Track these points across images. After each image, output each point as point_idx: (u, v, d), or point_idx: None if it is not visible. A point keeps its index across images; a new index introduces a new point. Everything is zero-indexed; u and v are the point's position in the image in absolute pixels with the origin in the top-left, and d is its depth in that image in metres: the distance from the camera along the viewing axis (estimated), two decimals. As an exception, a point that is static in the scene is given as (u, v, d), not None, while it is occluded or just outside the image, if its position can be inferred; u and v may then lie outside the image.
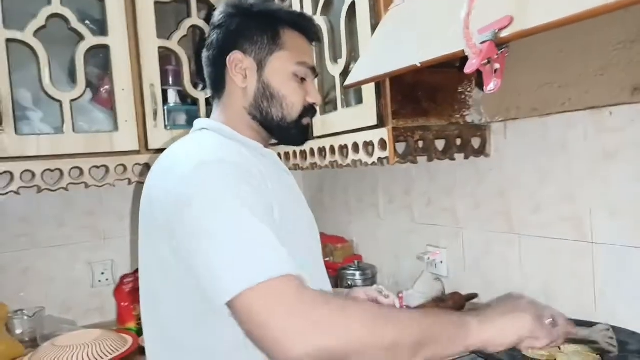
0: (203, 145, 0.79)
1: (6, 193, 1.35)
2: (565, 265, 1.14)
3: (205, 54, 0.90)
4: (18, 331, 1.53)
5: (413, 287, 1.39)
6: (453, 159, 1.28)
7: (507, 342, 0.70)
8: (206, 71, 0.91)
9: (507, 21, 0.71)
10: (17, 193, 1.37)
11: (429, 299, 1.33)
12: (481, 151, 1.32)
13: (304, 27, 0.89)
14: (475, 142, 1.31)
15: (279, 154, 1.67)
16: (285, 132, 0.88)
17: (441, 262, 1.48)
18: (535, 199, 1.20)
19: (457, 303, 1.31)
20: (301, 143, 0.93)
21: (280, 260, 0.64)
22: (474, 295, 1.37)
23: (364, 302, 0.86)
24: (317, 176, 2.11)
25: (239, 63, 0.85)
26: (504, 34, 0.72)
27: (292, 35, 0.87)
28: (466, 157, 1.30)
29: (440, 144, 1.26)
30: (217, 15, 0.88)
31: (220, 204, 0.67)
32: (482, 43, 0.73)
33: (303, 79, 0.88)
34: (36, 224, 1.64)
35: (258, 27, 0.85)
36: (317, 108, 0.93)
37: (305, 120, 0.89)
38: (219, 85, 0.89)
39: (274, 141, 0.95)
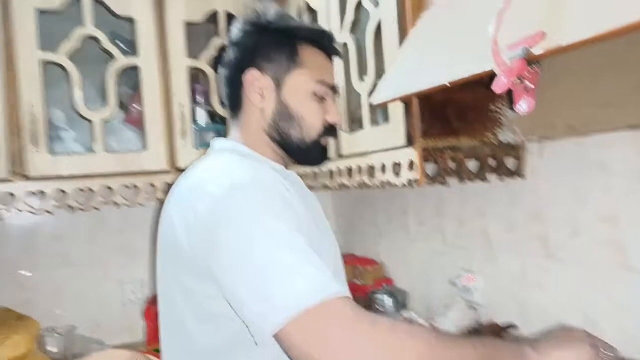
0: (228, 166, 0.76)
1: (40, 212, 1.38)
2: (607, 293, 1.06)
3: (222, 72, 0.89)
4: (50, 348, 1.54)
5: (446, 316, 1.33)
6: (486, 180, 1.22)
7: None
8: (223, 90, 0.90)
9: (539, 37, 0.67)
10: (49, 212, 1.39)
11: (462, 328, 1.27)
12: (516, 172, 1.25)
13: (324, 43, 0.87)
14: (510, 163, 1.25)
15: (305, 173, 1.66)
16: (304, 153, 0.85)
17: (475, 288, 1.41)
18: (573, 222, 1.13)
19: (495, 334, 1.24)
20: (320, 164, 0.89)
21: (330, 281, 0.61)
22: (513, 326, 1.29)
23: (420, 325, 0.82)
24: (347, 196, 2.08)
25: (255, 81, 0.83)
26: (536, 50, 0.67)
27: (311, 52, 0.85)
28: (500, 179, 1.24)
29: (472, 165, 1.21)
30: (234, 32, 0.86)
31: (259, 226, 0.64)
32: (511, 60, 0.69)
33: (323, 98, 0.85)
34: (68, 242, 1.67)
35: (276, 44, 0.83)
36: (337, 128, 0.90)
37: (324, 140, 0.86)
38: (236, 105, 0.87)
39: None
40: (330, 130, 0.86)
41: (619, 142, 1.01)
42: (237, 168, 0.74)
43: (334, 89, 0.87)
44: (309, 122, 0.83)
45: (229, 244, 0.64)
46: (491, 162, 1.23)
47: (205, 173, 0.75)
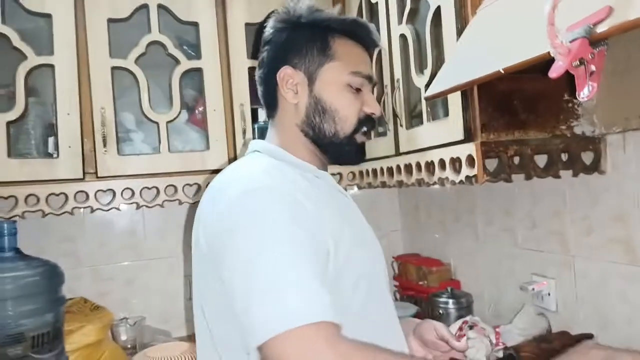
0: (251, 170, 0.75)
1: (109, 209, 1.46)
2: None
3: (257, 72, 0.88)
4: (122, 338, 1.63)
5: (512, 322, 1.23)
6: (558, 177, 1.11)
7: None
8: (259, 90, 0.88)
9: (605, 13, 0.58)
10: (117, 209, 1.47)
11: (529, 337, 1.16)
12: (594, 167, 1.13)
13: (357, 33, 0.83)
14: (587, 157, 1.13)
15: (361, 172, 1.61)
16: (338, 149, 0.81)
17: (548, 294, 1.29)
18: (664, 225, 0.99)
19: (566, 344, 1.12)
20: (356, 162, 0.85)
21: (317, 305, 0.59)
22: (588, 336, 1.17)
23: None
24: (413, 193, 2.00)
25: (289, 79, 0.81)
26: (601, 28, 0.59)
27: (344, 43, 0.81)
28: (575, 174, 1.12)
29: (541, 160, 1.10)
30: (267, 31, 0.85)
31: (263, 238, 0.64)
32: (572, 41, 0.60)
33: (358, 89, 0.82)
34: (140, 237, 1.75)
35: (307, 39, 0.80)
36: (376, 120, 0.85)
37: (360, 137, 0.82)
38: (272, 104, 0.86)
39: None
40: (368, 121, 0.82)
41: None
42: (255, 171, 0.73)
43: (370, 79, 0.83)
44: (343, 114, 0.80)
45: (233, 250, 0.65)
46: (564, 156, 1.11)
47: (230, 175, 0.76)
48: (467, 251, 1.67)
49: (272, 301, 0.59)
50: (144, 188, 1.48)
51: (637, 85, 0.99)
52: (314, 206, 0.70)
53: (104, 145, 1.42)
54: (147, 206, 1.49)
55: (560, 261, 1.27)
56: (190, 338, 1.64)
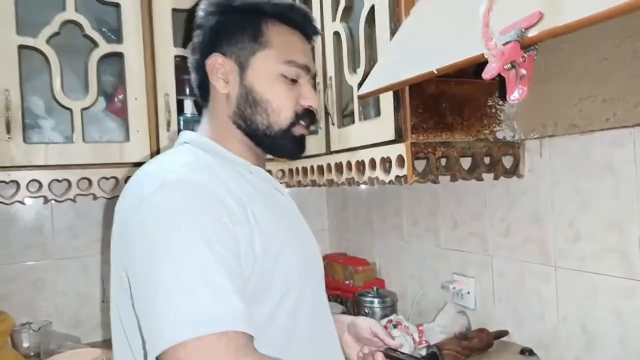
0: (174, 163, 0.70)
1: (12, 203, 1.32)
2: (609, 304, 0.99)
3: (189, 59, 0.82)
4: (24, 345, 1.48)
5: (434, 320, 1.26)
6: (480, 179, 1.15)
7: None
8: (192, 78, 0.83)
9: (536, 18, 0.60)
10: (22, 203, 1.33)
11: (450, 334, 1.20)
12: (514, 171, 1.18)
13: (294, 20, 0.78)
14: (507, 161, 1.18)
15: (290, 170, 1.59)
16: (273, 142, 0.77)
17: (468, 292, 1.34)
18: (575, 227, 1.05)
19: (484, 341, 1.17)
20: (294, 155, 0.81)
21: (226, 313, 0.54)
22: (504, 333, 1.22)
23: None
24: (341, 193, 2.01)
25: (219, 67, 0.76)
26: (532, 33, 0.60)
27: (278, 30, 0.77)
28: (496, 178, 1.17)
29: (466, 163, 1.13)
30: (198, 15, 0.79)
31: (173, 237, 0.59)
32: (505, 44, 0.61)
33: (294, 80, 0.77)
34: (47, 234, 1.61)
35: (238, 24, 0.76)
36: (315, 113, 0.81)
37: (297, 130, 0.78)
38: (203, 94, 0.80)
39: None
40: (306, 115, 0.78)
41: (627, 140, 0.93)
42: (179, 166, 0.68)
43: (307, 69, 0.79)
44: (277, 106, 0.75)
45: (139, 248, 0.61)
46: (486, 160, 1.15)
47: (151, 167, 0.70)
48: (393, 251, 1.70)
49: (175, 306, 0.55)
50: (53, 180, 1.35)
51: (553, 93, 1.05)
52: (239, 204, 0.65)
53: (8, 132, 1.28)
54: (56, 200, 1.36)
55: (480, 261, 1.32)
56: (105, 343, 1.53)
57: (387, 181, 1.11)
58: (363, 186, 1.81)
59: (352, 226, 1.95)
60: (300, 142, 0.79)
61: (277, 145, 0.77)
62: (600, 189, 0.99)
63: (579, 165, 1.03)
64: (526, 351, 1.13)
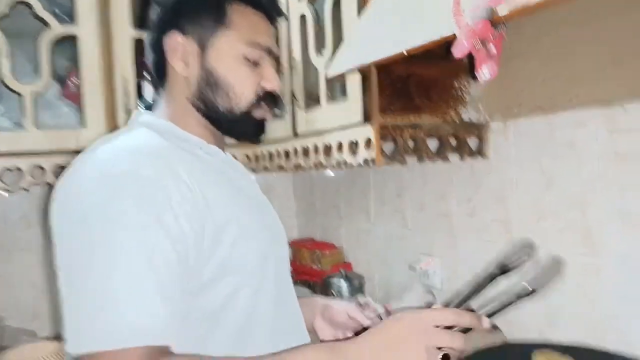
0: (122, 150, 0.65)
1: (-42, 193, 1.24)
2: (572, 281, 1.02)
3: (146, 37, 0.78)
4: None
5: (402, 300, 1.27)
6: (447, 160, 1.16)
7: None
8: (148, 57, 0.79)
9: (505, -4, 0.59)
10: (-33, 193, 1.26)
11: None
12: (479, 152, 1.20)
13: (259, 1, 0.75)
14: (473, 143, 1.19)
15: (256, 155, 1.56)
16: (233, 125, 0.75)
17: (434, 272, 1.36)
18: (538, 206, 1.08)
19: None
20: (254, 138, 0.78)
21: (145, 325, 0.53)
22: (469, 310, 1.25)
23: None
24: (308, 178, 2.00)
25: (178, 47, 0.73)
26: (502, 11, 0.60)
27: (242, 11, 0.74)
28: (462, 159, 1.18)
29: (433, 144, 1.14)
30: None
31: (105, 238, 0.56)
32: (474, 22, 0.61)
33: (257, 63, 0.75)
34: (0, 225, 1.53)
35: (200, 2, 0.72)
36: (277, 96, 0.79)
37: (258, 113, 0.76)
38: (160, 74, 0.77)
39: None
40: (267, 99, 0.76)
41: (590, 120, 0.96)
42: (124, 152, 0.64)
43: (270, 52, 0.76)
44: (239, 89, 0.73)
45: (66, 242, 0.59)
46: (452, 141, 1.16)
47: (95, 153, 0.65)
48: (360, 234, 1.70)
49: (94, 314, 0.53)
50: (3, 170, 1.28)
51: (518, 74, 1.06)
52: (190, 193, 0.62)
53: (-49, 118, 1.20)
54: (7, 190, 1.29)
55: (446, 241, 1.34)
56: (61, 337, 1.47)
57: (355, 164, 1.11)
58: (330, 171, 1.81)
59: (319, 210, 1.94)
60: (260, 125, 0.76)
61: (237, 128, 0.75)
62: (564, 169, 1.02)
63: (543, 145, 1.05)
64: (491, 328, 1.16)
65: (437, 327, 0.58)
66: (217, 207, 0.64)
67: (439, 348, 0.58)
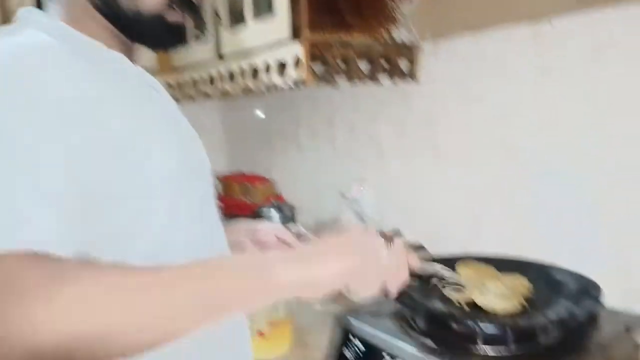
0: (15, 47, 0.56)
1: None
2: (498, 198, 1.06)
3: None
4: None
5: (333, 228, 1.28)
6: (378, 82, 1.13)
7: (323, 288, 0.53)
8: None
9: None
10: None
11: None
12: (410, 74, 1.18)
13: None
14: (404, 65, 1.17)
15: (178, 82, 1.46)
16: (142, 29, 0.64)
17: (365, 198, 1.37)
18: (467, 125, 1.09)
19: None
20: (168, 43, 0.69)
21: (22, 228, 0.46)
22: (397, 233, 1.28)
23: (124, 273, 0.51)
24: (235, 108, 1.91)
25: None
26: None
27: None
28: (393, 81, 1.16)
29: (364, 66, 1.10)
30: None
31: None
32: None
33: None
34: None
35: None
36: (196, 4, 0.70)
37: (171, 16, 0.66)
38: None
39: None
40: (183, 4, 0.66)
41: (518, 36, 0.95)
42: (10, 51, 0.54)
43: None
44: None
45: None
46: (384, 63, 1.13)
47: None
48: (291, 164, 1.67)
49: None
50: None
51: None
52: (85, 105, 0.54)
53: None
54: None
55: (377, 166, 1.34)
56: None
57: (284, 86, 1.05)
58: (258, 100, 1.74)
59: (250, 142, 1.88)
60: (176, 30, 0.67)
61: (147, 32, 0.65)
62: (493, 87, 1.02)
63: (472, 64, 1.05)
64: (416, 246, 1.19)
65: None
66: (117, 123, 0.56)
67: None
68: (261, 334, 0.94)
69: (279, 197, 1.71)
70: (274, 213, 1.44)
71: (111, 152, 0.55)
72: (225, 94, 1.29)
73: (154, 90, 0.69)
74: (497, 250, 1.00)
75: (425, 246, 1.19)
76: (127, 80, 0.64)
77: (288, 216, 1.44)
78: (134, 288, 0.46)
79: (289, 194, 1.70)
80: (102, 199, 0.55)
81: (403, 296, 0.75)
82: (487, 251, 1.02)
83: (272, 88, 1.10)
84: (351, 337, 0.79)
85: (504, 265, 0.84)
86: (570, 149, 0.91)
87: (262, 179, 1.76)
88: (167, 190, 0.61)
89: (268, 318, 0.95)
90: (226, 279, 0.51)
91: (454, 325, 0.69)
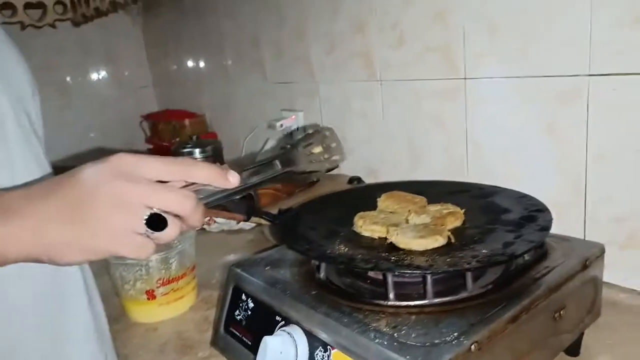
0: None
1: None
2: (436, 111, 0.87)
3: None
4: None
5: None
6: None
7: (53, 251, 0.35)
8: None
9: None
10: None
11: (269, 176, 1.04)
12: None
13: None
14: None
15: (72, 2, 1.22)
16: None
17: (297, 128, 1.18)
18: (398, 28, 0.89)
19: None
20: None
21: None
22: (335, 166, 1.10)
23: None
24: (160, 33, 1.68)
25: None
26: None
27: None
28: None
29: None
30: None
31: None
32: None
33: None
34: None
35: None
36: None
37: None
38: None
39: None
40: None
41: None
42: None
43: None
44: None
45: None
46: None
47: None
48: (221, 98, 1.47)
49: None
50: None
51: None
52: None
53: None
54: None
55: (307, 90, 1.14)
56: None
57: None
58: (181, 21, 1.50)
59: (176, 75, 1.66)
60: None
61: None
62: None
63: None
64: (354, 180, 1.02)
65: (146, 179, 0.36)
66: None
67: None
68: (151, 294, 0.76)
69: (211, 135, 1.51)
70: (194, 150, 1.24)
71: None
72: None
73: None
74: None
75: (364, 179, 1.03)
76: None
77: (210, 153, 1.24)
78: None
79: (221, 129, 1.51)
80: None
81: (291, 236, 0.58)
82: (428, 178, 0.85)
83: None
84: (243, 295, 0.62)
85: (439, 190, 0.67)
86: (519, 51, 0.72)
87: (191, 115, 1.55)
88: None
89: (159, 276, 0.77)
90: None
91: (356, 271, 0.53)
